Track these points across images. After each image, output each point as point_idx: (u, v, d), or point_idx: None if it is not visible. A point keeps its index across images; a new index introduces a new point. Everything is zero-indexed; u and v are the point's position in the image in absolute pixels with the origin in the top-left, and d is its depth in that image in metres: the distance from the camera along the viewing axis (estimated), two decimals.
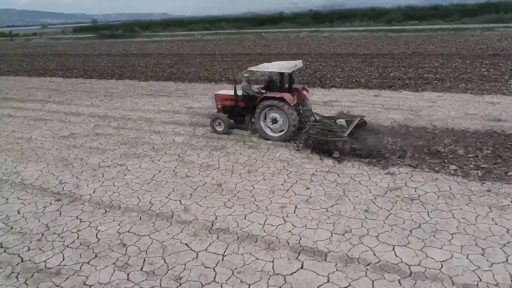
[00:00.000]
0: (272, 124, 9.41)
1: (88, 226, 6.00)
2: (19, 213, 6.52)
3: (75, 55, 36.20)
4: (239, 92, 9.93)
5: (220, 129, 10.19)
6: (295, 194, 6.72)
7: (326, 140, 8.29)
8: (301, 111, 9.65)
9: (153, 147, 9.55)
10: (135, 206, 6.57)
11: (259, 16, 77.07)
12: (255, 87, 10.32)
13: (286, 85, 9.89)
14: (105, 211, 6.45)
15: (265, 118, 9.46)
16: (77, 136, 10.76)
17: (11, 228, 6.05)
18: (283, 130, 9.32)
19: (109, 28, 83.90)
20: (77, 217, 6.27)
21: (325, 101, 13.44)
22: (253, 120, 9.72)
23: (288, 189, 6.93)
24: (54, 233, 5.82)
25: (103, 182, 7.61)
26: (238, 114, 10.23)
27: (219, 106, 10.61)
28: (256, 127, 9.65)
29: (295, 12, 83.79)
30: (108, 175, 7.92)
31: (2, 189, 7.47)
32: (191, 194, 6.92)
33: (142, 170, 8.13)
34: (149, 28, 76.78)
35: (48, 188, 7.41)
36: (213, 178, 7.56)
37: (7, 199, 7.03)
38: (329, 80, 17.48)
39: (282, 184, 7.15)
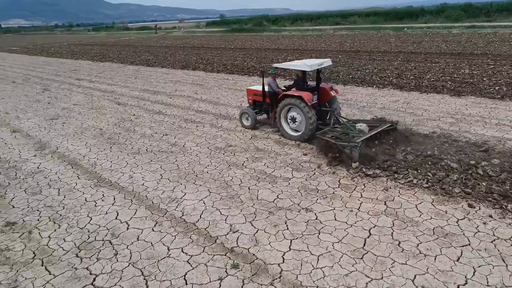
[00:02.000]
0: (291, 123, 9.20)
1: None
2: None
3: (211, 48, 36.67)
4: (266, 88, 9.91)
5: (247, 124, 10.44)
6: None
7: (335, 144, 7.68)
8: (324, 111, 9.38)
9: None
10: None
11: (395, 9, 69.21)
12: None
13: (310, 83, 9.79)
14: None
15: (287, 117, 9.28)
16: (236, 150, 8.80)
17: None
18: (302, 129, 8.98)
19: (238, 22, 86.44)
20: None
21: None
22: (275, 115, 9.55)
23: None
24: None
25: (292, 240, 5.20)
26: (266, 110, 10.34)
27: (250, 100, 10.80)
28: (277, 125, 9.54)
29: (440, 3, 73.01)
30: (294, 228, 5.48)
31: (162, 225, 5.68)
32: None
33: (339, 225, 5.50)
34: (276, 23, 76.27)
35: (218, 238, 5.31)
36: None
37: (168, 249, 5.12)
38: None
39: None
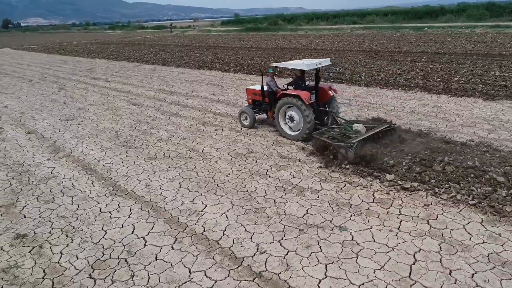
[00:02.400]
0: (289, 122, 9.20)
1: None
2: None
3: (227, 48, 36.23)
4: (265, 87, 9.91)
5: (246, 123, 10.39)
6: None
7: (330, 144, 7.74)
8: (320, 111, 9.31)
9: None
10: None
11: (414, 8, 67.39)
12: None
13: (308, 83, 9.87)
14: None
15: (285, 116, 9.31)
16: (258, 157, 8.27)
17: None
18: (300, 129, 8.99)
19: (253, 21, 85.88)
20: None
21: None
22: (273, 114, 9.60)
23: None
24: None
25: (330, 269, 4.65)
26: (265, 109, 10.25)
27: (249, 100, 10.81)
28: (275, 124, 9.60)
29: (458, 2, 70.93)
30: (329, 250, 4.92)
31: (182, 243, 5.20)
32: None
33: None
34: (292, 22, 75.42)
35: (244, 260, 4.79)
36: None
37: (190, 271, 4.63)
38: None
39: None
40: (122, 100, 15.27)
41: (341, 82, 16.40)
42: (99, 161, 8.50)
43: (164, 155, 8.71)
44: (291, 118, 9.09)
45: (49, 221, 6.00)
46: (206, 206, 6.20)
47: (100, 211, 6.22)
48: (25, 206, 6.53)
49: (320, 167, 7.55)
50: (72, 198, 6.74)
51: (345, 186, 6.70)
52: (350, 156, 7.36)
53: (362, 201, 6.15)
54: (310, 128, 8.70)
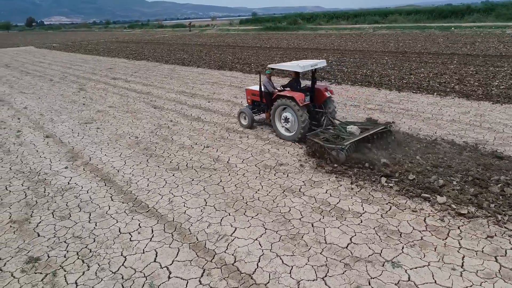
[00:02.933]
0: (285, 123, 9.27)
1: None
2: None
3: (246, 47, 35.61)
4: (263, 88, 10.02)
5: (245, 123, 10.55)
6: None
7: (322, 146, 7.61)
8: (317, 112, 9.33)
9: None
10: None
11: (439, 7, 65.11)
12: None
13: (304, 84, 9.93)
14: None
15: (281, 117, 9.38)
16: (288, 170, 7.59)
17: None
18: (295, 130, 9.04)
19: (272, 20, 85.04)
20: None
21: None
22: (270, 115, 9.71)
23: None
24: None
25: None
26: (263, 109, 10.42)
27: (248, 100, 11.03)
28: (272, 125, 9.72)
29: (486, 1, 68.15)
30: None
31: (211, 275, 4.56)
32: None
33: None
34: (311, 21, 74.22)
35: None
36: None
37: None
38: None
39: None
40: (142, 102, 14.82)
41: (370, 86, 15.54)
42: (118, 171, 7.98)
43: (187, 165, 8.12)
44: (286, 119, 9.17)
45: (65, 241, 5.48)
46: (235, 229, 5.56)
47: (120, 231, 5.66)
48: (39, 223, 6.03)
49: (356, 184, 6.81)
50: (90, 214, 6.21)
51: (390, 209, 5.95)
52: (341, 158, 7.35)
53: (414, 228, 5.39)
54: (304, 129, 8.76)
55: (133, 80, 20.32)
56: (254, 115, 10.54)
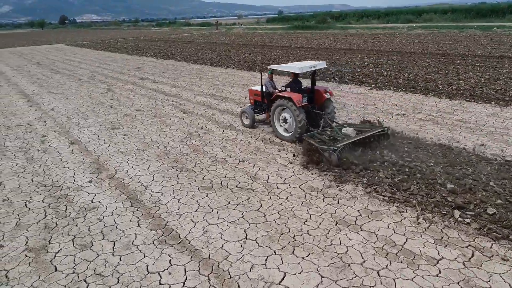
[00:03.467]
0: (283, 124, 9.32)
1: None
2: None
3: (275, 47, 34.56)
4: (264, 88, 10.10)
5: (247, 123, 10.66)
6: None
7: (316, 147, 7.66)
8: (314, 114, 9.31)
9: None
10: None
11: (477, 5, 61.67)
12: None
13: (306, 85, 10.00)
14: None
15: (280, 117, 9.40)
16: (339, 196, 6.55)
17: None
18: (293, 130, 9.06)
19: (299, 19, 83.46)
20: None
21: None
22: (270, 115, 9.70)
23: None
24: None
25: None
26: (265, 109, 10.43)
27: (251, 100, 11.11)
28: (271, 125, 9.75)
29: None
30: None
31: None
32: None
33: None
34: (340, 19, 72.21)
35: None
36: None
37: None
38: None
39: None
40: (170, 105, 14.12)
41: (415, 92, 14.21)
42: (146, 188, 7.19)
43: (221, 183, 7.24)
44: (285, 120, 9.23)
45: (84, 280, 4.69)
46: (284, 275, 4.60)
47: (147, 270, 4.82)
48: (57, 253, 5.29)
49: (424, 217, 5.71)
50: (114, 244, 5.42)
51: (473, 255, 4.83)
52: (333, 160, 7.35)
53: (510, 286, 4.26)
54: (301, 129, 8.79)
55: (161, 81, 19.74)
56: (256, 115, 10.64)
